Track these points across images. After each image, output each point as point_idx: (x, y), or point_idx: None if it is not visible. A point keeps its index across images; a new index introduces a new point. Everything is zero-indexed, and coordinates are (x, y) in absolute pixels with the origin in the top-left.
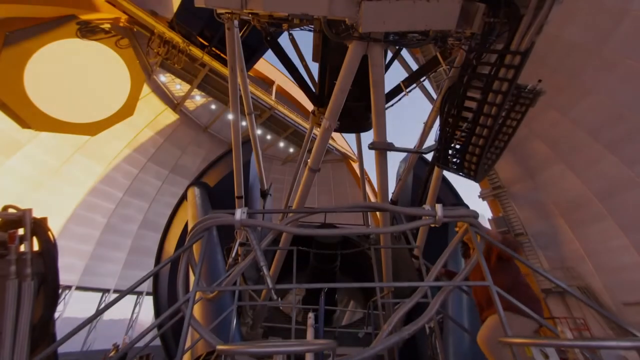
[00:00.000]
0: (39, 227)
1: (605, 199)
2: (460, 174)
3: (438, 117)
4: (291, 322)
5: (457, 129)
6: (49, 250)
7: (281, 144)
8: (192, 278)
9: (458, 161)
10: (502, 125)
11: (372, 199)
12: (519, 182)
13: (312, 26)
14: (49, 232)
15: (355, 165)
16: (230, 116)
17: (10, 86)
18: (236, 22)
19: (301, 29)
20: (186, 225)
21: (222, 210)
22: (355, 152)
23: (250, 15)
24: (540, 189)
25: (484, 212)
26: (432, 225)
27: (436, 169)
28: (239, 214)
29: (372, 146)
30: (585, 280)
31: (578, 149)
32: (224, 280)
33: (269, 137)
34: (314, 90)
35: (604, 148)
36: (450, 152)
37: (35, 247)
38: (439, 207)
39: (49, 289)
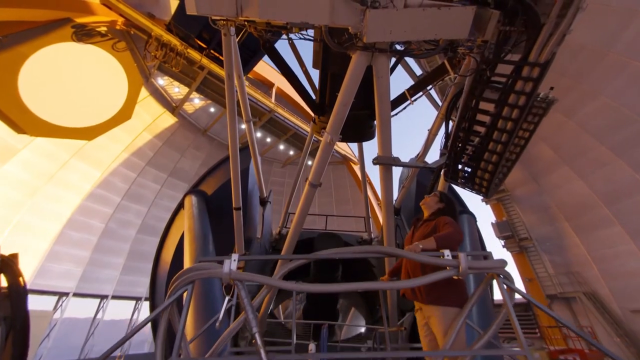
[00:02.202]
0: (7, 266)
1: (612, 203)
2: (470, 189)
3: (443, 124)
4: (292, 334)
5: (467, 144)
6: (18, 292)
7: (281, 147)
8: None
9: (467, 175)
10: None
11: (374, 203)
12: (523, 185)
13: (312, 31)
14: (20, 276)
15: (356, 168)
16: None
17: (5, 91)
18: (233, 29)
19: (300, 38)
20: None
21: (209, 259)
22: (356, 154)
23: (246, 23)
24: (544, 192)
25: (487, 215)
26: (455, 278)
27: (442, 180)
28: (228, 265)
29: (376, 161)
30: (591, 286)
31: (583, 153)
32: (215, 321)
33: (268, 139)
34: (314, 98)
35: (610, 151)
36: (459, 167)
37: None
38: (462, 257)
39: (18, 335)
